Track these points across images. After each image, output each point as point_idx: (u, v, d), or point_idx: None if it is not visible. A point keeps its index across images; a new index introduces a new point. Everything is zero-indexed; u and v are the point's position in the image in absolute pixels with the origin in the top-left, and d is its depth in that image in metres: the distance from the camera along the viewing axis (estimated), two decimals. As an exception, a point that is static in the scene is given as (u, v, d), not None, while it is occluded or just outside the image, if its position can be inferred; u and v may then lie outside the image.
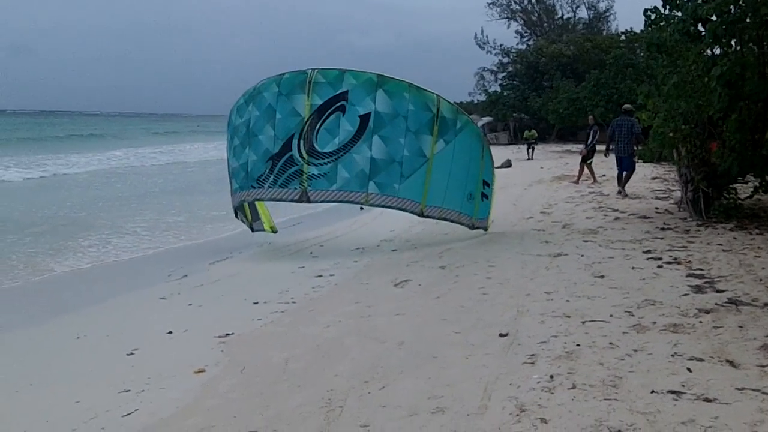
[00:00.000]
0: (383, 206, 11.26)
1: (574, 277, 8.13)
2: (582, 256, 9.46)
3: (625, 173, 17.36)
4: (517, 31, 67.48)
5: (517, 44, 65.85)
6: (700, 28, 11.45)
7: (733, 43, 11.76)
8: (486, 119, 62.77)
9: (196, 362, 6.05)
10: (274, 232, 13.84)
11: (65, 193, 23.35)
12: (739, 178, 12.48)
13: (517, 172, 27.15)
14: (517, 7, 67.03)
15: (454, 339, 6.07)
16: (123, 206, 19.53)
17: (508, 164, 30.71)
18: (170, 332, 7.28)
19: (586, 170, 21.09)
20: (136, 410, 5.11)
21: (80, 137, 62.38)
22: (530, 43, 65.21)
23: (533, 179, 23.28)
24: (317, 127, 10.78)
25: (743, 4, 11.17)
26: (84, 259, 12.32)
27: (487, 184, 12.08)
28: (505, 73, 62.89)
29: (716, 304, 6.60)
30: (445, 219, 11.70)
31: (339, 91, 10.79)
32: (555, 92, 49.40)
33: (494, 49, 65.03)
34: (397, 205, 11.11)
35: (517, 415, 4.29)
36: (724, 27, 10.98)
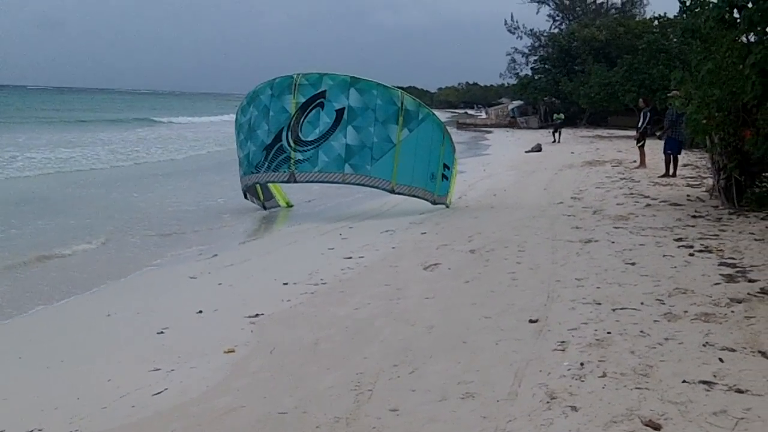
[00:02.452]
0: (358, 184, 13.35)
1: (605, 264, 8.08)
2: (613, 242, 9.40)
3: (674, 156, 18.21)
4: (549, 15, 66.94)
5: (550, 28, 65.40)
6: (736, 14, 11.27)
7: (768, 30, 11.55)
8: (516, 103, 62.61)
9: (226, 342, 6.09)
10: (290, 206, 15.59)
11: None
12: (773, 166, 12.32)
13: (547, 157, 27.04)
14: (550, -10, 66.40)
15: (484, 324, 6.06)
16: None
17: (538, 149, 30.59)
18: (200, 311, 7.32)
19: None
20: (166, 389, 5.16)
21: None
22: (562, 27, 64.66)
23: (564, 164, 23.15)
24: (301, 120, 12.93)
25: (780, -10, 10.97)
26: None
27: (447, 167, 14.19)
28: (536, 57, 62.48)
29: (748, 293, 6.53)
30: (413, 195, 13.75)
31: (319, 91, 12.95)
32: (587, 76, 49.01)
33: (525, 33, 64.65)
34: (369, 183, 13.25)
35: (548, 402, 4.28)
36: (759, 14, 10.79)
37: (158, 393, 5.11)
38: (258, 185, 14.50)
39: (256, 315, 6.95)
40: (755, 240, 9.16)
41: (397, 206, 14.65)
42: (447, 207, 14.07)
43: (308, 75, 13.19)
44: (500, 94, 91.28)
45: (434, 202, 13.99)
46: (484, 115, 71.61)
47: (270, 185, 14.82)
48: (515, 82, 64.23)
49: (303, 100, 12.94)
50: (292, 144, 12.92)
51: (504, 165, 24.14)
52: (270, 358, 5.68)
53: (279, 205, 15.36)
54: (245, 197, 15.15)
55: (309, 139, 12.87)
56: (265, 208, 15.20)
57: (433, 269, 8.51)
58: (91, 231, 12.47)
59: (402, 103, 13.23)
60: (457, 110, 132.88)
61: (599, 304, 6.42)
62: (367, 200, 15.98)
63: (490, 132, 52.01)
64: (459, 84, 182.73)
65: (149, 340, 6.50)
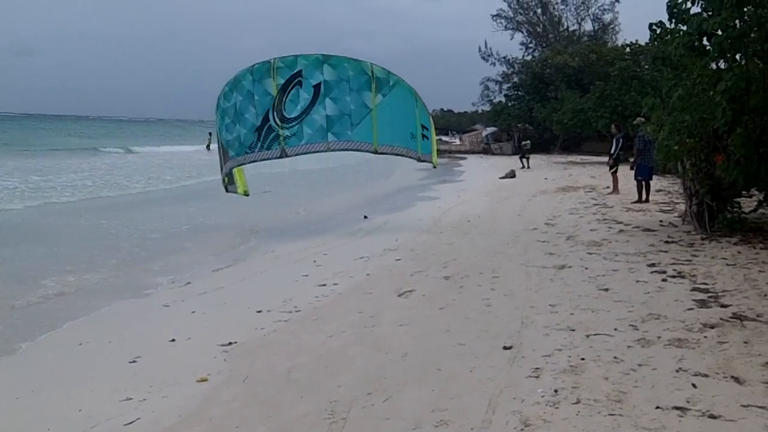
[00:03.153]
0: (343, 150, 14.46)
1: (579, 290, 8.11)
2: (586, 268, 9.44)
3: (646, 182, 18.24)
4: (522, 43, 67.57)
5: (523, 55, 66.02)
6: (705, 42, 11.45)
7: (738, 57, 11.75)
8: (490, 129, 62.89)
9: (199, 371, 6.04)
10: (246, 195, 16.97)
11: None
12: (744, 191, 12.46)
13: (521, 183, 27.17)
14: (523, 18, 67.16)
15: (459, 350, 6.06)
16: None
17: (512, 175, 30.72)
18: (173, 340, 7.27)
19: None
20: (138, 419, 5.11)
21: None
22: (535, 54, 65.29)
23: (537, 190, 23.26)
24: (284, 100, 14.01)
25: (748, 19, 11.17)
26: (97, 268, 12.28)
27: (425, 127, 15.26)
28: (510, 84, 63.00)
29: (721, 319, 6.57)
30: (396, 154, 14.96)
31: (295, 71, 14.02)
32: (560, 103, 49.40)
33: (498, 60, 65.26)
34: (353, 147, 14.36)
35: (522, 429, 4.27)
36: (729, 41, 10.98)
37: (130, 423, 5.06)
38: (233, 169, 15.82)
39: (230, 343, 6.91)
40: (727, 265, 9.23)
41: (372, 234, 14.64)
42: (434, 167, 15.96)
43: (283, 58, 14.24)
44: (474, 120, 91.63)
45: (419, 160, 15.36)
46: (458, 142, 71.73)
47: (236, 171, 16.20)
48: (489, 109, 64.67)
49: (282, 81, 14.00)
50: (279, 123, 14.04)
51: (478, 191, 24.22)
52: (243, 387, 5.64)
53: (237, 192, 16.77)
54: (226, 191, 16.79)
55: (293, 116, 14.00)
56: (227, 190, 16.85)
57: (408, 296, 8.50)
58: (64, 264, 12.30)
59: (372, 72, 14.34)
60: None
61: (573, 330, 6.43)
62: (341, 226, 15.98)
63: (464, 158, 52.18)
64: (433, 111, 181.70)
65: (121, 369, 6.43)
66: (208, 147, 54.77)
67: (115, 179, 29.90)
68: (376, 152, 14.59)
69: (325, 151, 14.41)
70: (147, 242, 14.61)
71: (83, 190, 25.11)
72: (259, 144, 14.28)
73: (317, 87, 14.01)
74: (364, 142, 14.31)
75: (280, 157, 14.38)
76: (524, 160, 37.74)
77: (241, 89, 14.43)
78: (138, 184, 28.28)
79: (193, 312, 8.56)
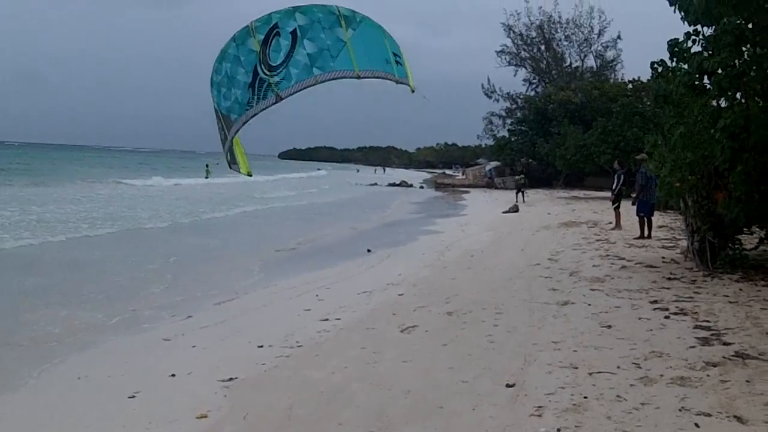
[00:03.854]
0: (329, 80, 14.76)
1: (582, 327, 8.10)
2: (589, 305, 9.43)
3: (648, 219, 18.35)
4: (525, 78, 68.08)
5: (526, 91, 66.50)
6: (706, 81, 11.55)
7: (737, 95, 11.84)
8: (494, 163, 63.15)
9: (199, 407, 6.01)
10: (250, 176, 17.28)
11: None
12: (745, 228, 12.48)
13: (524, 217, 27.19)
14: (527, 54, 67.70)
15: (461, 388, 6.03)
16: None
17: (515, 209, 30.80)
18: (173, 375, 7.24)
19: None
20: (138, 455, 5.07)
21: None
22: (538, 90, 65.76)
23: (540, 225, 23.27)
24: (267, 51, 14.68)
25: (748, 58, 11.29)
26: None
27: (396, 54, 15.96)
28: (513, 119, 63.40)
29: (723, 357, 6.56)
30: (377, 77, 15.39)
31: (272, 24, 14.75)
32: (563, 138, 49.64)
33: (501, 96, 65.75)
34: (338, 76, 14.83)
35: (524, 469, 4.24)
36: (729, 80, 11.09)
37: (129, 460, 5.02)
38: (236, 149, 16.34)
39: (230, 379, 6.88)
40: (729, 302, 9.22)
41: (375, 267, 14.64)
42: (413, 91, 16.08)
43: (259, 18, 15.17)
44: (478, 154, 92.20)
45: (398, 83, 15.82)
46: (461, 176, 72.12)
47: (237, 151, 16.57)
48: (492, 143, 65.02)
49: (262, 36, 14.80)
50: (267, 72, 14.72)
51: (481, 225, 24.23)
52: (243, 424, 5.61)
53: (240, 171, 16.97)
54: (230, 167, 17.04)
55: (278, 63, 14.73)
56: (230, 166, 16.94)
57: (411, 331, 8.48)
58: (64, 297, 12.27)
59: (339, 11, 15.25)
60: (435, 170, 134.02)
61: (576, 367, 6.41)
62: (345, 259, 15.98)
63: (467, 192, 52.34)
64: (437, 144, 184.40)
65: (120, 404, 6.40)
66: (206, 176, 55.04)
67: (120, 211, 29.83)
68: (359, 77, 15.16)
69: (314, 84, 14.94)
70: (148, 275, 14.59)
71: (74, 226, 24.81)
72: (255, 97, 15.00)
73: (294, 32, 14.89)
74: (346, 70, 15.01)
75: (276, 102, 14.91)
76: (520, 194, 37.84)
77: (228, 57, 15.31)
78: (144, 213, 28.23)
79: (194, 346, 8.53)
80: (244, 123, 15.84)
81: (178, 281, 13.91)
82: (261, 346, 8.17)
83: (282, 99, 14.92)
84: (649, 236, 17.90)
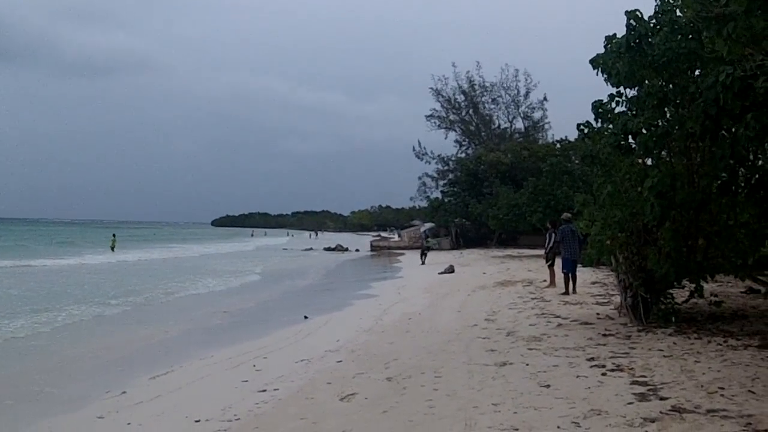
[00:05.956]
0: None
1: (521, 387, 8.12)
2: (527, 364, 9.47)
3: (572, 275, 18.60)
4: (456, 141, 69.35)
5: (457, 153, 67.71)
6: (631, 140, 11.94)
7: (663, 154, 12.26)
8: (428, 225, 63.71)
9: (134, 488, 5.81)
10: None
11: None
12: (675, 283, 12.77)
13: (460, 278, 27.36)
14: (456, 117, 69.04)
15: (402, 456, 5.96)
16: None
17: (451, 270, 31.01)
18: (107, 455, 7.00)
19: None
20: None
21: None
22: (469, 151, 67.01)
23: (476, 285, 23.43)
24: None
25: (670, 119, 11.73)
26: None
27: None
28: (445, 180, 64.39)
29: (660, 412, 6.64)
30: None
31: None
32: (495, 198, 50.47)
33: (433, 159, 66.86)
34: None
35: None
36: (653, 139, 11.49)
37: None
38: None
39: (167, 457, 6.68)
40: (664, 356, 9.38)
41: (312, 334, 14.50)
42: None
43: None
44: (412, 216, 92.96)
45: None
46: (397, 238, 72.46)
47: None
48: (426, 205, 65.81)
49: None
50: None
51: (418, 288, 24.29)
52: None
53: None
54: None
55: None
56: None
57: (350, 399, 8.37)
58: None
59: None
60: (370, 233, 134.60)
61: (516, 429, 6.41)
62: (282, 327, 15.80)
63: (403, 254, 52.56)
64: (372, 207, 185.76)
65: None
66: (112, 248, 54.05)
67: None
68: None
69: None
70: (78, 352, 14.18)
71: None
72: None
73: None
74: None
75: None
76: (423, 257, 40.42)
77: None
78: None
79: (129, 424, 8.28)
80: None
81: (111, 357, 13.55)
82: (198, 421, 7.98)
83: None
84: (575, 291, 18.18)
